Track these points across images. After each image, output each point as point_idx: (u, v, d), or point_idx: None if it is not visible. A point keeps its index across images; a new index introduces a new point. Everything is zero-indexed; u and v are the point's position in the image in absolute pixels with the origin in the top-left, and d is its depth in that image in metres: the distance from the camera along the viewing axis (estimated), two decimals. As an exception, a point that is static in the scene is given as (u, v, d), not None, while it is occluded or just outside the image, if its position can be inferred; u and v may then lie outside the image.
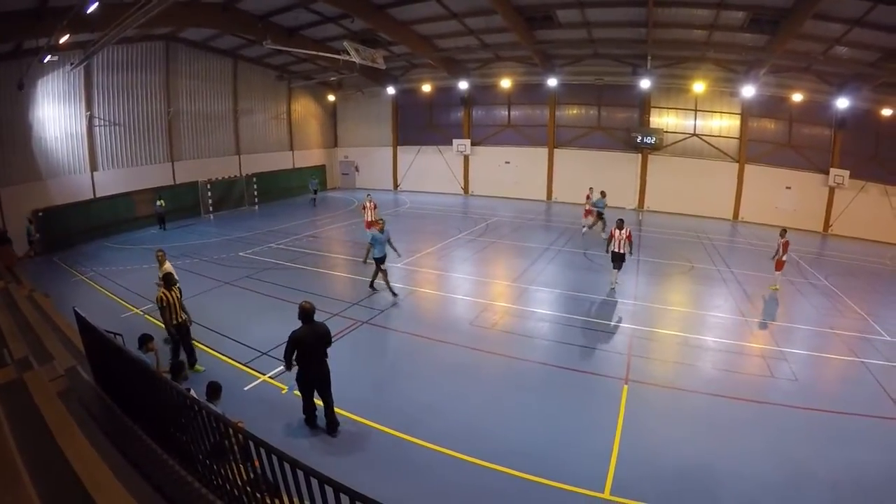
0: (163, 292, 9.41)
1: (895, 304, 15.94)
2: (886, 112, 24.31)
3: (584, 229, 22.96)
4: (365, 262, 14.58)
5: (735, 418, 8.86)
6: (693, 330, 12.91)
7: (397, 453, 7.47)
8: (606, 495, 6.71)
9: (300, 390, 7.89)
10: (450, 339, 11.60)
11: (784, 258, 16.00)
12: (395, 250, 14.98)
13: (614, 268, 15.44)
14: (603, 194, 22.84)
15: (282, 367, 9.82)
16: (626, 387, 9.65)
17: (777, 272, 16.18)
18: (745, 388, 9.92)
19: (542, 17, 22.71)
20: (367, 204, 20.92)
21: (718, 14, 20.11)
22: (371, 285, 14.87)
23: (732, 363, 11.08)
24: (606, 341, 11.95)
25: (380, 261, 14.29)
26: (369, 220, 20.16)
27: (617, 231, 15.06)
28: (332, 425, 7.86)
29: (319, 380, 7.71)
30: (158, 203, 24.63)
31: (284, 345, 7.42)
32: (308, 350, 7.50)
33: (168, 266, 10.77)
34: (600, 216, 22.60)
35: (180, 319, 9.63)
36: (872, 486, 7.15)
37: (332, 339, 7.94)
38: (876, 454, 7.90)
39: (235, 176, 30.20)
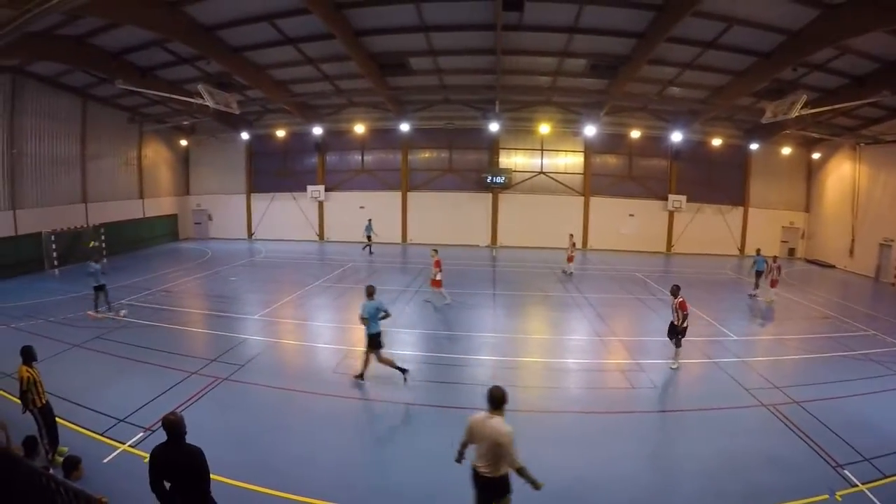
0: (25, 370, 7.63)
1: (737, 308, 18.23)
2: (715, 142, 29.01)
3: (570, 273, 23.25)
4: None
5: (604, 430, 9.36)
6: (554, 354, 13.57)
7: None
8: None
9: None
10: (313, 389, 11.17)
11: (777, 277, 18.89)
12: None
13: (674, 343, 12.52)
14: (758, 252, 20.56)
15: (142, 433, 8.76)
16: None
17: (772, 289, 18.81)
18: (610, 402, 10.52)
19: (396, 64, 23.21)
20: (435, 258, 18.08)
21: (562, 62, 21.93)
22: None
23: (594, 381, 11.76)
24: (471, 375, 12.05)
25: None
26: (437, 278, 18.01)
27: (671, 298, 12.45)
28: None
29: None
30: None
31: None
32: (174, 483, 5.18)
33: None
34: (759, 275, 19.97)
35: (44, 401, 7.93)
36: (743, 467, 7.98)
37: (185, 429, 5.27)
38: (740, 439, 8.88)
39: (82, 226, 27.13)
